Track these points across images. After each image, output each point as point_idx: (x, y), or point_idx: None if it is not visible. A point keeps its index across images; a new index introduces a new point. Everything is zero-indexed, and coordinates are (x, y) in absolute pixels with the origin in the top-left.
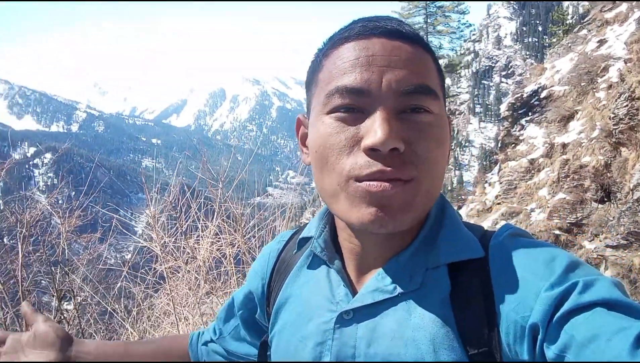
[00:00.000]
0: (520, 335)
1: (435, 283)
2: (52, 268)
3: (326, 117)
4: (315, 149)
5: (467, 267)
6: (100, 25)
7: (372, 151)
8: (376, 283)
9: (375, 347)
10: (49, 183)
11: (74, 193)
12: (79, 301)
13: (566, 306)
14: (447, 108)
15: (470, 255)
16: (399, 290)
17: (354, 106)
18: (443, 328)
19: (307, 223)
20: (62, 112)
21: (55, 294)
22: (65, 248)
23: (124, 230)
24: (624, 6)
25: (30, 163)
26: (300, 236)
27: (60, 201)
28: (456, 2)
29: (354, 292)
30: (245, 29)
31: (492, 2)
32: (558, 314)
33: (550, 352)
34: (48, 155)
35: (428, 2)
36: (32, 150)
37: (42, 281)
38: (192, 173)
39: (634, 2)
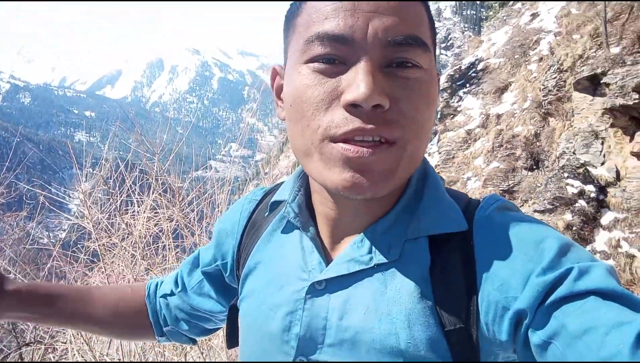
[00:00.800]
0: (500, 315)
1: (414, 255)
2: None
3: (304, 67)
4: (290, 102)
5: (448, 240)
6: None
7: (352, 107)
8: (351, 253)
9: (348, 319)
10: None
11: None
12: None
13: (558, 292)
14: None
15: (452, 228)
16: (375, 260)
17: (335, 56)
18: (420, 304)
19: (280, 183)
20: None
21: None
22: None
23: (53, 208)
24: None
25: None
26: (273, 199)
27: None
28: None
29: (327, 260)
30: None
31: None
32: (549, 300)
33: (537, 337)
34: None
35: None
36: None
37: None
38: (128, 146)
39: None
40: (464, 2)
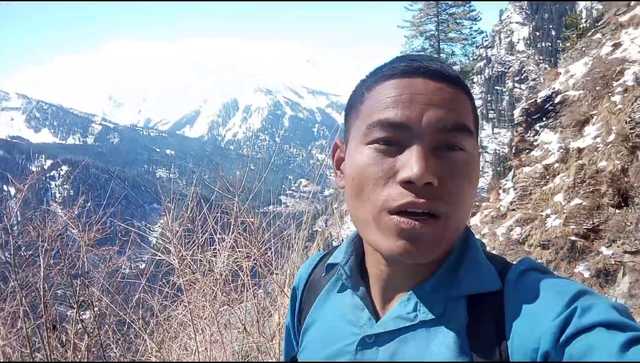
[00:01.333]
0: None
1: (454, 313)
2: (72, 280)
3: (365, 148)
4: (352, 177)
5: (484, 299)
6: (123, 46)
7: (407, 184)
8: (399, 311)
9: None
10: (65, 195)
11: (89, 204)
12: (97, 312)
13: (568, 330)
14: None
15: (487, 287)
16: (420, 318)
17: (392, 140)
18: (459, 358)
19: (336, 246)
20: (78, 125)
21: (76, 305)
22: (85, 260)
23: (140, 242)
24: (638, 9)
25: (47, 175)
26: (328, 262)
27: (77, 214)
28: (468, 9)
29: (377, 317)
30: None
31: (504, 8)
32: (562, 338)
33: None
34: (64, 167)
35: (439, 10)
36: (48, 162)
37: (62, 294)
38: (206, 183)
39: None
40: (537, 34)
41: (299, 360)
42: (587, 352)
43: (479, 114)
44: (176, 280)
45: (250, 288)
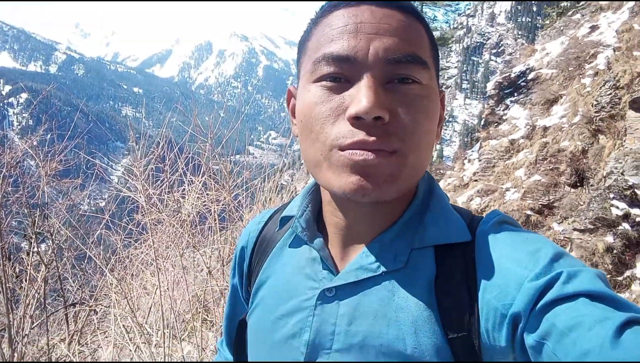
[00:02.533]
0: (499, 322)
1: (420, 264)
2: (31, 210)
3: (312, 86)
4: (301, 118)
5: (452, 250)
6: None
7: (355, 120)
8: (360, 261)
9: (357, 325)
10: (24, 124)
11: (50, 135)
12: (55, 244)
13: (549, 295)
14: (439, 82)
15: (457, 238)
16: (382, 268)
17: (340, 75)
18: (425, 312)
19: (288, 202)
20: (40, 52)
21: (33, 236)
22: (45, 191)
23: (106, 177)
24: None
25: (5, 101)
26: (283, 215)
27: (37, 143)
28: None
29: (336, 270)
30: None
31: None
32: (541, 303)
33: (530, 339)
34: (24, 95)
35: None
36: (7, 88)
37: (19, 224)
38: (175, 126)
39: None
40: (519, 8)
41: (249, 320)
42: (575, 326)
43: (453, 82)
44: (141, 218)
45: (217, 232)
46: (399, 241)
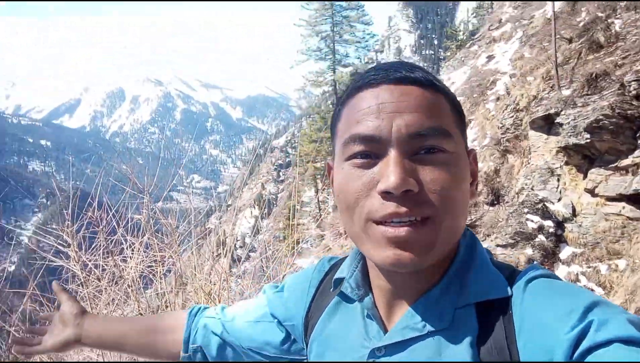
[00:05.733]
0: None
1: (464, 322)
2: None
3: (345, 164)
4: (338, 194)
5: (493, 307)
6: None
7: (386, 194)
8: (406, 321)
9: None
10: None
11: None
12: None
13: (584, 345)
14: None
15: (497, 294)
16: (428, 327)
17: (369, 152)
18: None
19: (344, 258)
20: None
21: None
22: None
23: (6, 241)
24: (508, 26)
25: None
26: (335, 277)
27: None
28: (361, 13)
29: (386, 329)
30: (144, 26)
31: (392, 15)
32: (577, 353)
33: None
34: None
35: (334, 12)
36: None
37: None
38: (89, 177)
39: (516, 23)
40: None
41: None
42: None
43: None
44: (79, 289)
45: (166, 295)
46: (443, 301)
